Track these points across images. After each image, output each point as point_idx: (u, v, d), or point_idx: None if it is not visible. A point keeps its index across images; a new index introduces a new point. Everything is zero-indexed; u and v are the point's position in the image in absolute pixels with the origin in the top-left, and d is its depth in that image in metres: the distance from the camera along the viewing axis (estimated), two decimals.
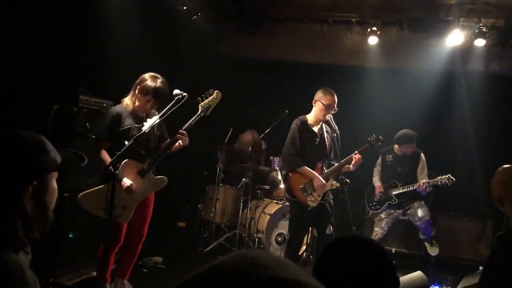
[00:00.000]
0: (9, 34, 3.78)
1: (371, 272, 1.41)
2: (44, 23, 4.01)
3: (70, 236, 3.84)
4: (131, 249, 3.89)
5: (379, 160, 5.85)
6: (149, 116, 3.75)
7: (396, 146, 5.67)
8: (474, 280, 4.28)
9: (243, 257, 0.66)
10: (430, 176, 5.51)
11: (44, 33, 4.03)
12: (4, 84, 3.85)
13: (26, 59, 3.97)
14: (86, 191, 3.45)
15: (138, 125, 3.64)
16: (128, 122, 3.63)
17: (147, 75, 3.65)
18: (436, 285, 5.08)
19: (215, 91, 3.77)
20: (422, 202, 5.57)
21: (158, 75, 3.68)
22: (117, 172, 3.28)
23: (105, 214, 3.33)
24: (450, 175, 5.20)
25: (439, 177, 5.25)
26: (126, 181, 3.55)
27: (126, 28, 4.91)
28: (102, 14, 4.63)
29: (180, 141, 3.71)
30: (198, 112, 3.72)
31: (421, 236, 5.65)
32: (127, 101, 3.69)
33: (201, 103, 3.74)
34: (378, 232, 5.54)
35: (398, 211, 5.60)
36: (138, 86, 3.63)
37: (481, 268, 5.35)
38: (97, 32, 4.62)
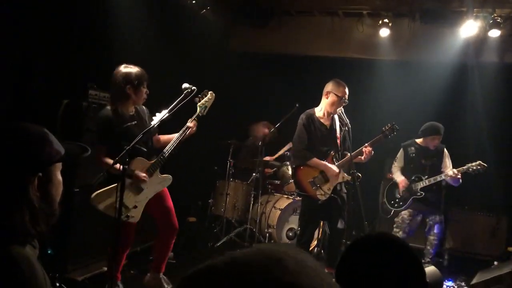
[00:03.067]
0: (20, 30, 3.78)
1: (398, 275, 1.36)
2: (53, 18, 4.00)
3: (49, 252, 3.84)
4: (164, 243, 3.91)
5: (400, 155, 5.49)
6: (137, 111, 3.72)
7: (420, 139, 5.37)
8: (489, 275, 4.21)
9: (269, 257, 0.62)
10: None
11: (53, 28, 4.02)
12: (15, 79, 3.85)
13: (36, 55, 3.96)
14: (98, 191, 3.44)
15: (133, 123, 3.60)
16: (121, 122, 3.57)
17: (122, 70, 3.56)
18: (449, 280, 5.01)
19: (209, 92, 3.85)
20: (442, 218, 5.33)
21: (127, 65, 3.63)
22: (125, 167, 3.26)
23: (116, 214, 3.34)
24: (480, 161, 4.94)
25: (469, 164, 4.97)
26: (139, 173, 3.56)
27: (134, 23, 4.89)
28: (111, 9, 4.61)
29: (188, 132, 3.75)
30: (197, 112, 3.80)
31: (428, 257, 5.27)
32: (111, 104, 3.60)
33: (199, 103, 3.80)
34: (399, 234, 5.18)
35: (419, 217, 5.34)
36: (129, 85, 3.54)
37: (496, 263, 5.29)
38: (106, 27, 4.60)
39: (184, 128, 3.75)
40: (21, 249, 1.34)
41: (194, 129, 3.78)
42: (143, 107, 3.80)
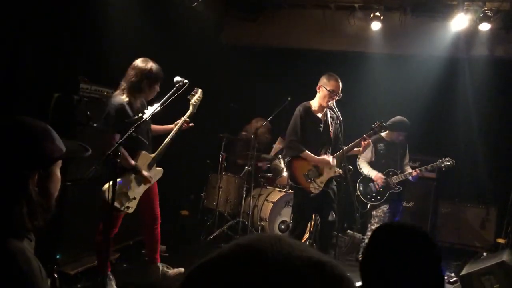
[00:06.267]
0: (9, 23, 3.74)
1: (420, 266, 1.40)
2: (43, 11, 3.97)
3: (58, 257, 3.86)
4: (151, 232, 4.02)
5: (368, 150, 5.39)
6: (142, 103, 3.79)
7: (386, 133, 5.35)
8: (478, 266, 4.26)
9: (270, 238, 0.64)
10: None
11: (43, 21, 3.99)
12: (5, 73, 3.82)
13: (26, 48, 3.93)
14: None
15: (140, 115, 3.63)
16: (132, 113, 3.62)
17: (142, 65, 3.62)
18: None
19: (199, 90, 3.97)
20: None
21: (146, 59, 3.69)
22: (135, 165, 3.52)
23: (121, 205, 3.54)
24: (449, 157, 5.20)
25: (439, 160, 5.21)
26: (146, 174, 3.73)
27: (125, 16, 4.86)
28: (101, 2, 4.58)
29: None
30: (191, 110, 3.93)
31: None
32: (125, 95, 3.64)
33: (192, 101, 3.92)
34: None
35: (393, 205, 5.40)
36: (146, 80, 3.63)
37: (485, 254, 5.35)
38: (97, 20, 4.57)
39: (181, 122, 3.86)
40: (18, 242, 1.35)
41: (189, 125, 3.92)
42: (143, 100, 3.85)
